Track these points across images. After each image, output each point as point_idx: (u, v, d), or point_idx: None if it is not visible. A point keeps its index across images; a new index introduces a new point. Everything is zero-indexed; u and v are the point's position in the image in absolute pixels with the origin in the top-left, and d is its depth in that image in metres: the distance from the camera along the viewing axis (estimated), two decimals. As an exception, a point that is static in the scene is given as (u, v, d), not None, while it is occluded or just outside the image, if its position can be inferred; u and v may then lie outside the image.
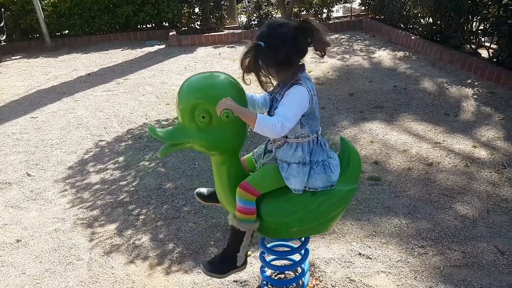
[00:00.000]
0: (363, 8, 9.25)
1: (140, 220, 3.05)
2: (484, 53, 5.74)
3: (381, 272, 2.43)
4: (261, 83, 1.74)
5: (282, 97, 1.72)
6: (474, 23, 5.83)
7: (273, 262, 2.31)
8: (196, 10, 8.78)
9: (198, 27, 8.93)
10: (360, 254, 2.57)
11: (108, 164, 3.89)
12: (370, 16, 8.93)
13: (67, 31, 8.99)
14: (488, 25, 5.32)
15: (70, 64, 7.53)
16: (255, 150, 2.01)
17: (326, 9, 8.80)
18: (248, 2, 9.56)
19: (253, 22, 8.51)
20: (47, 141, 4.46)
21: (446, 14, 6.00)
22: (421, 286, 2.31)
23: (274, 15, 8.50)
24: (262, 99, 1.89)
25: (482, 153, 3.62)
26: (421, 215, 2.90)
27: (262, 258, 2.13)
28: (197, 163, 3.81)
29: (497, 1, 4.94)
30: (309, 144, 1.78)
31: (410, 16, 7.25)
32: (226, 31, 8.72)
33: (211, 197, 2.07)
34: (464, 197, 3.06)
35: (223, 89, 1.68)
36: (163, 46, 8.54)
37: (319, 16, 8.82)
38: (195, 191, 2.12)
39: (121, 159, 3.99)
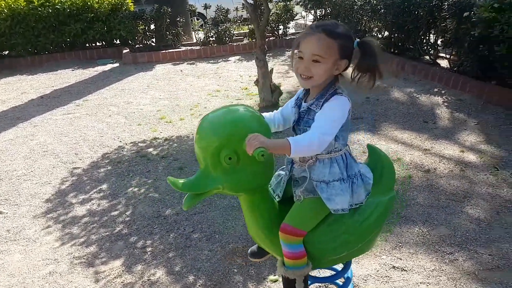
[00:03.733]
0: (316, 23, 9.51)
1: (149, 253, 2.75)
2: (443, 63, 6.09)
3: (420, 283, 2.37)
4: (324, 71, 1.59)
5: (320, 108, 1.59)
6: (432, 35, 6.19)
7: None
8: (152, 26, 8.48)
9: (153, 44, 8.63)
10: (394, 267, 2.51)
11: (92, 194, 3.52)
12: (323, 31, 9.18)
13: (7, 52, 8.25)
14: (448, 37, 5.64)
15: (16, 86, 6.88)
16: None
17: (282, 25, 8.92)
18: (204, 21, 9.46)
19: (211, 39, 8.39)
20: (11, 172, 3.95)
21: (405, 27, 6.32)
22: (464, 294, 2.29)
23: (232, 31, 8.44)
24: (279, 115, 1.76)
25: (471, 157, 3.77)
26: (437, 221, 2.91)
27: None
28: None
29: (455, 14, 5.27)
30: (343, 157, 1.66)
31: (366, 31, 7.55)
32: (183, 48, 8.52)
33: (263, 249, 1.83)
34: (470, 200, 3.13)
35: (248, 122, 1.51)
36: (117, 64, 8.13)
37: (276, 32, 8.92)
38: (249, 252, 1.89)
39: (104, 187, 3.63)
